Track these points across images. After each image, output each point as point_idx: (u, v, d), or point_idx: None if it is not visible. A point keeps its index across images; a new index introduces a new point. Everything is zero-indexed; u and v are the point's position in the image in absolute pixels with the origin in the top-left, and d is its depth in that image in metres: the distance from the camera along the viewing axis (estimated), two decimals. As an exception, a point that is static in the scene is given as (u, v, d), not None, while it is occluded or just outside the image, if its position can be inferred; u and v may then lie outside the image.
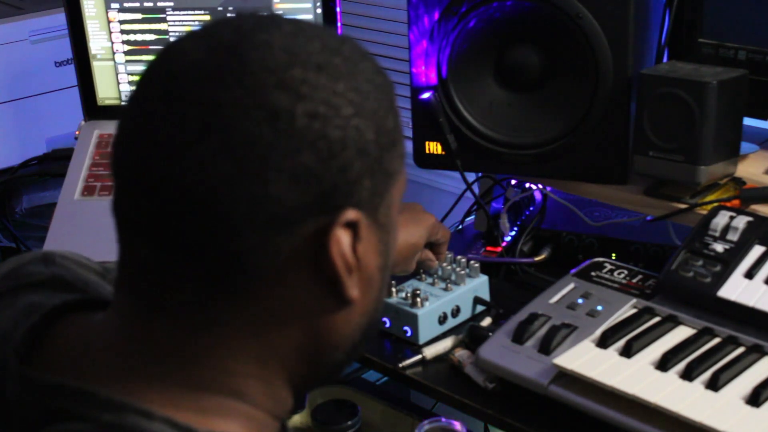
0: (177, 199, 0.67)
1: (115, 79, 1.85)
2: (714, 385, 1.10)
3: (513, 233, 1.59)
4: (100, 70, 1.85)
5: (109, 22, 1.82)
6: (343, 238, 0.71)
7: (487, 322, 1.38)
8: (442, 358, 1.32)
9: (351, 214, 0.71)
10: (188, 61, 0.70)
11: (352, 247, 0.72)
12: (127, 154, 0.70)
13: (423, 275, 1.41)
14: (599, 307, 1.26)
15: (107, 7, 1.81)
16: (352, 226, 0.71)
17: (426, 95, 1.51)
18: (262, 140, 0.67)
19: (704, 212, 1.32)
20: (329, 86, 0.70)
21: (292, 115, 0.68)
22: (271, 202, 0.67)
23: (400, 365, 1.31)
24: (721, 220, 1.27)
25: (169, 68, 0.71)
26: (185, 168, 0.67)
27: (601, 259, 1.38)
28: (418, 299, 1.34)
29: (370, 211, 0.73)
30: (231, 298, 0.70)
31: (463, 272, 1.39)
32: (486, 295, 1.41)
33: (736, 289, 1.20)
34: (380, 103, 0.73)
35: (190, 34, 0.72)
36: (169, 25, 1.81)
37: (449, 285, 1.38)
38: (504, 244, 1.56)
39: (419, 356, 1.31)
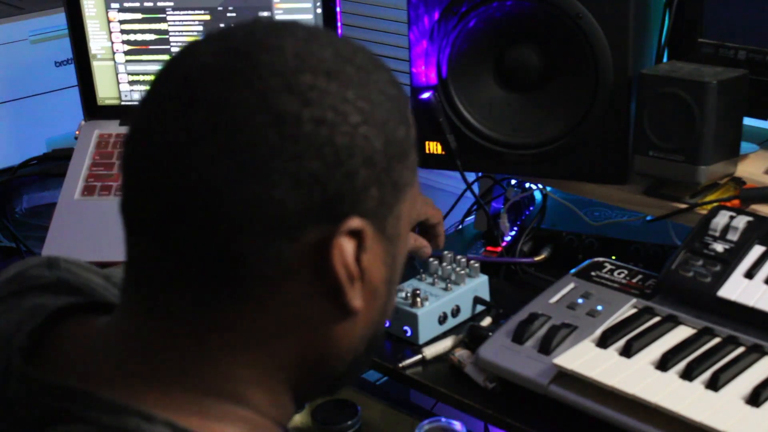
0: (180, 197, 0.67)
1: (115, 79, 1.85)
2: (714, 385, 1.10)
3: (513, 233, 1.59)
4: (100, 70, 1.85)
5: (109, 22, 1.82)
6: (346, 246, 0.70)
7: (487, 322, 1.38)
8: (442, 358, 1.32)
9: (355, 223, 0.70)
10: (200, 62, 0.70)
11: (355, 257, 0.71)
12: (135, 153, 0.71)
13: (423, 275, 1.40)
14: (599, 307, 1.26)
15: (107, 7, 1.81)
16: (357, 235, 0.70)
17: (426, 95, 1.51)
18: (267, 143, 0.67)
19: (704, 212, 1.32)
20: (338, 93, 0.69)
21: (299, 119, 0.67)
22: (273, 206, 0.67)
23: (400, 365, 1.31)
24: (721, 220, 1.27)
25: (181, 70, 0.71)
26: (190, 167, 0.67)
27: (601, 259, 1.38)
28: (418, 299, 1.34)
29: (377, 222, 0.72)
30: (232, 302, 0.70)
31: (463, 272, 1.39)
32: (486, 295, 1.41)
33: (736, 289, 1.20)
34: (391, 114, 0.72)
35: (206, 38, 0.73)
36: (169, 25, 1.81)
37: (449, 285, 1.38)
38: (504, 244, 1.56)
39: (419, 356, 1.31)
